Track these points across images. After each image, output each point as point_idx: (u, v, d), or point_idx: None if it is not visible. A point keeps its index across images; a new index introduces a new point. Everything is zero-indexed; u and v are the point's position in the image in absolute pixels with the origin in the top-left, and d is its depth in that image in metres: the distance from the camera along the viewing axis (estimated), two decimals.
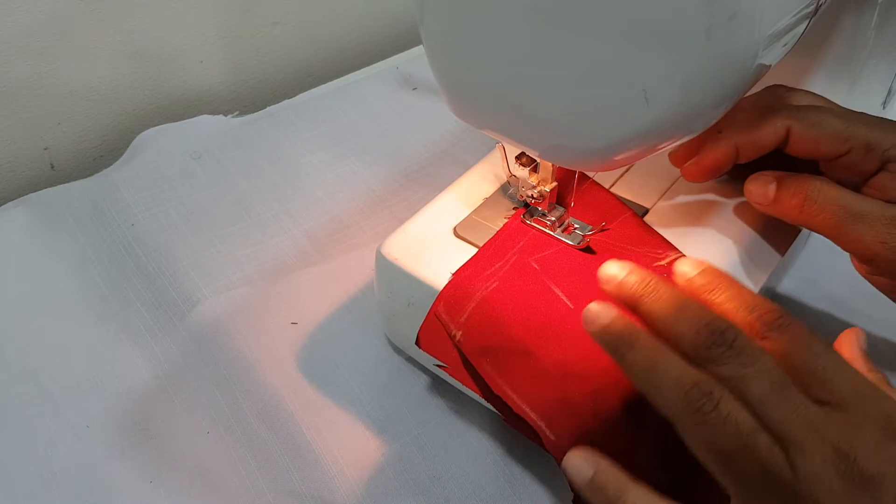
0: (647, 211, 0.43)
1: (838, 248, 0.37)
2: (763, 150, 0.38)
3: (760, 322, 0.31)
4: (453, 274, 0.38)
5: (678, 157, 0.41)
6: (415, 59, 0.68)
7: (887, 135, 0.35)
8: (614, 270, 0.33)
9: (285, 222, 0.53)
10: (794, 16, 0.30)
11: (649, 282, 0.32)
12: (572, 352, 0.35)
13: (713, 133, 0.39)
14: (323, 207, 0.54)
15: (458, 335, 0.37)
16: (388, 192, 0.55)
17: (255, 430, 0.41)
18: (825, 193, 0.36)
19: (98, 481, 0.39)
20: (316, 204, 0.54)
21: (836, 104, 0.39)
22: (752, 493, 0.28)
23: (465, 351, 0.37)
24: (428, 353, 0.39)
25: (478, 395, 0.38)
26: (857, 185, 0.37)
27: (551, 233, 0.40)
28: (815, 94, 0.39)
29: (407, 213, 0.43)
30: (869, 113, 0.38)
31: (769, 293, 0.47)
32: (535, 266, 0.38)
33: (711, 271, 0.33)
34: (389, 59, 0.70)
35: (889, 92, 0.48)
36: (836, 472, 0.27)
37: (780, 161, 0.38)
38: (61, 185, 0.55)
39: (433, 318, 0.38)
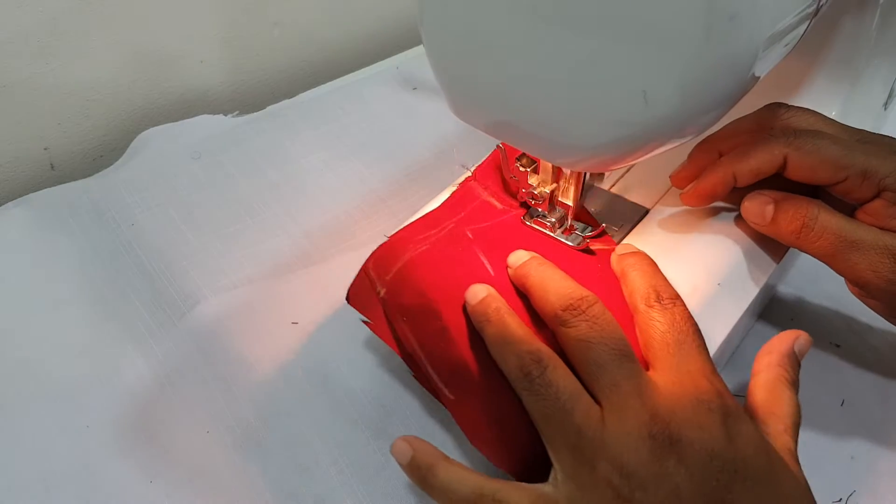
0: (647, 211, 0.43)
1: None
2: (760, 177, 0.38)
3: (654, 294, 0.34)
4: (389, 237, 0.39)
5: (679, 180, 0.42)
6: (415, 59, 0.68)
7: (885, 163, 0.36)
8: (515, 257, 0.37)
9: (285, 222, 0.53)
10: (795, 16, 0.30)
11: (539, 263, 0.36)
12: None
13: (712, 157, 0.40)
14: (323, 207, 0.54)
15: (382, 292, 0.38)
16: (389, 191, 0.55)
17: (255, 430, 0.41)
18: (822, 221, 0.37)
19: (98, 481, 0.39)
20: (316, 204, 0.54)
21: (836, 123, 0.39)
22: (566, 454, 0.31)
23: (387, 308, 0.38)
24: (355, 308, 0.40)
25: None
26: (852, 208, 0.38)
27: (551, 234, 0.40)
28: (815, 113, 0.40)
29: (407, 212, 0.43)
30: (870, 114, 0.38)
31: (770, 293, 0.47)
32: (470, 235, 0.39)
33: (638, 254, 0.37)
34: (389, 59, 0.70)
35: (890, 93, 0.48)
36: (648, 433, 0.30)
37: (778, 181, 0.39)
38: (61, 185, 0.55)
39: (363, 275, 0.39)
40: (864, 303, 0.39)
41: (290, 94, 0.65)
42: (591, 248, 0.40)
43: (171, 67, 0.63)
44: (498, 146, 0.41)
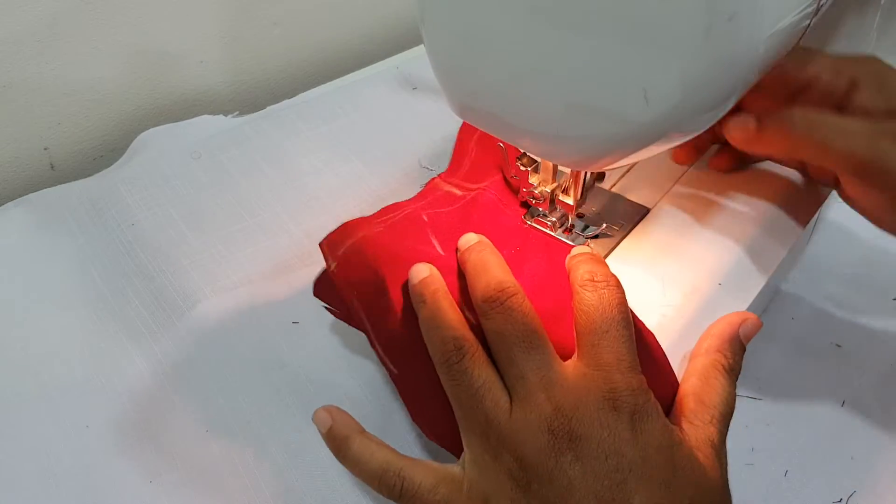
0: (647, 211, 0.43)
1: (839, 249, 0.37)
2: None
3: (590, 275, 0.34)
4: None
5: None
6: (415, 59, 0.68)
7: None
8: (464, 240, 0.38)
9: (285, 222, 0.53)
10: (795, 16, 0.30)
11: (480, 249, 0.36)
12: None
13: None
14: (323, 207, 0.54)
15: (333, 266, 0.39)
16: (389, 191, 0.55)
17: (255, 430, 0.41)
18: (807, 117, 0.35)
19: (98, 481, 0.39)
20: (316, 204, 0.54)
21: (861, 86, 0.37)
22: (475, 439, 0.32)
23: (337, 282, 0.39)
24: (318, 298, 0.40)
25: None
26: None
27: (552, 233, 0.40)
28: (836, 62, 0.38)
29: None
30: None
31: (771, 293, 0.47)
32: (425, 218, 0.40)
33: (483, 244, 0.37)
34: (389, 59, 0.70)
35: None
36: (548, 427, 0.30)
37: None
38: (61, 185, 0.55)
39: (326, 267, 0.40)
40: (857, 209, 0.38)
41: (290, 94, 0.65)
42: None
43: (171, 67, 0.63)
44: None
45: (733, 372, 0.34)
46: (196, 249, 0.50)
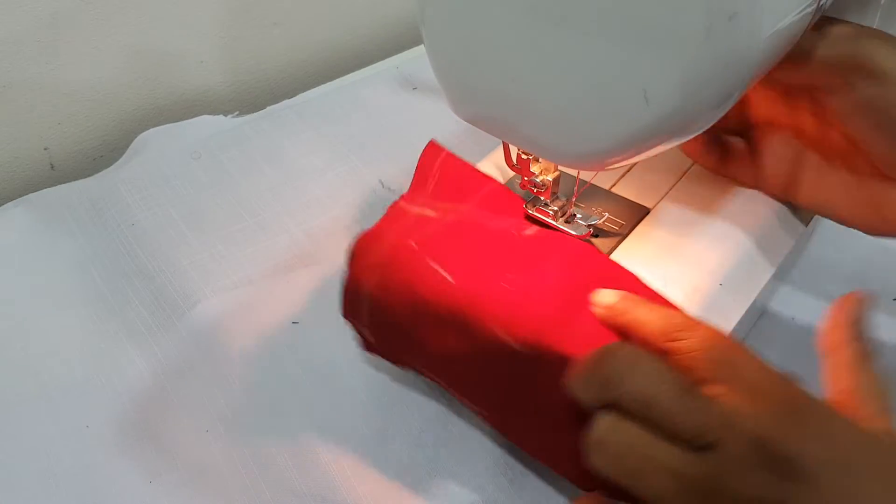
0: (647, 211, 0.43)
1: (840, 249, 0.37)
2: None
3: (670, 326, 0.32)
4: (345, 275, 0.38)
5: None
6: (415, 59, 0.68)
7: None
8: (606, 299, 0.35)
9: (285, 222, 0.53)
10: (795, 15, 0.30)
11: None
12: (453, 326, 0.35)
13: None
14: (323, 207, 0.54)
15: (367, 334, 0.38)
16: (389, 191, 0.55)
17: (255, 430, 0.41)
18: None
19: (98, 481, 0.39)
20: (316, 204, 0.54)
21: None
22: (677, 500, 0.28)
23: (381, 354, 0.38)
24: (371, 353, 0.40)
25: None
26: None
27: (553, 223, 0.40)
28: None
29: None
30: None
31: (772, 293, 0.47)
32: (414, 245, 0.37)
33: (626, 296, 0.34)
34: (389, 59, 0.70)
35: None
36: (757, 461, 0.28)
37: None
38: (61, 185, 0.55)
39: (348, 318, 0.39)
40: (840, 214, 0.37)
41: (290, 94, 0.65)
42: (527, 231, 0.39)
43: (171, 67, 0.63)
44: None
45: (874, 356, 0.32)
46: (196, 249, 0.50)
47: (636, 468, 0.29)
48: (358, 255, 0.38)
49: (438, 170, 0.41)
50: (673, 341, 0.31)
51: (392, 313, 0.36)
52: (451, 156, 0.41)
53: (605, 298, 0.35)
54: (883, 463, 0.28)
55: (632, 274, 0.37)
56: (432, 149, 0.41)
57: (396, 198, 0.41)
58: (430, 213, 0.39)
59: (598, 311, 0.35)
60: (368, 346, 0.40)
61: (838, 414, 0.29)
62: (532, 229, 0.39)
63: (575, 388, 0.32)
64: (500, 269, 0.36)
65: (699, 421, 0.29)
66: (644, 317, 0.33)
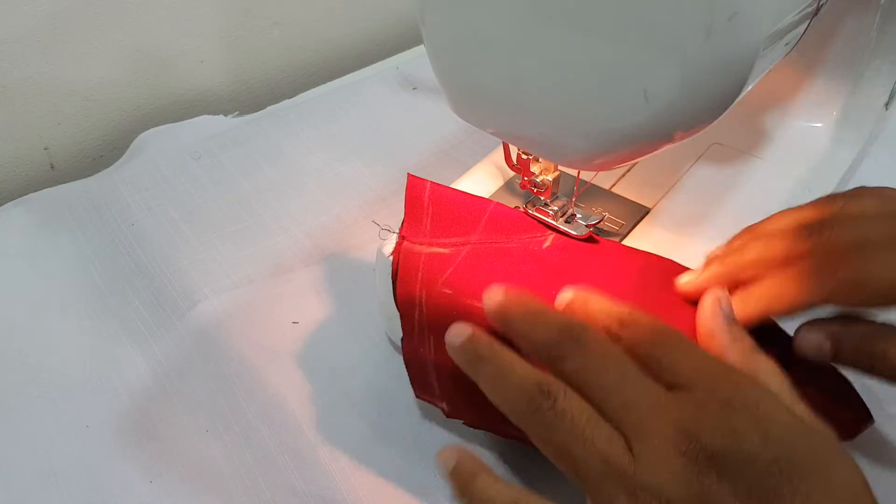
0: (648, 211, 0.43)
1: None
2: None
3: (612, 321, 0.32)
4: (402, 347, 0.37)
5: (687, 290, 0.38)
6: (415, 59, 0.68)
7: None
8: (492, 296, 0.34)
9: (285, 222, 0.53)
10: (795, 16, 0.30)
11: (517, 298, 0.33)
12: None
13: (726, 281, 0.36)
14: (323, 207, 0.54)
15: (446, 407, 0.37)
16: (389, 191, 0.55)
17: (255, 430, 0.41)
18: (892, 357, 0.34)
19: (98, 481, 0.39)
20: (316, 204, 0.54)
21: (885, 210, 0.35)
22: (598, 486, 0.28)
23: (466, 421, 0.38)
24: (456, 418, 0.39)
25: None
26: None
27: (553, 223, 0.40)
28: (870, 193, 0.35)
29: None
30: (871, 114, 0.37)
31: None
32: (448, 291, 0.36)
33: (584, 293, 0.34)
34: (389, 59, 0.70)
35: (891, 93, 0.48)
36: (678, 451, 0.27)
37: None
38: (61, 185, 0.55)
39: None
40: None
41: (290, 94, 0.65)
42: (546, 242, 0.39)
43: (171, 67, 0.63)
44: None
45: (755, 349, 0.32)
46: (196, 249, 0.50)
47: (565, 443, 0.29)
48: (406, 323, 0.37)
49: (430, 203, 0.39)
50: (616, 338, 0.31)
51: (459, 374, 0.34)
52: (437, 186, 0.40)
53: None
54: (816, 458, 0.27)
55: (667, 259, 0.37)
56: (415, 182, 0.40)
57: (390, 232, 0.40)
58: (440, 250, 0.38)
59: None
60: (450, 414, 0.38)
61: (778, 405, 0.29)
62: (548, 239, 0.39)
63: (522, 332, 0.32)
64: (537, 286, 0.35)
65: (627, 403, 0.29)
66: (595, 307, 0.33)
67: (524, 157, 0.39)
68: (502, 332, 0.32)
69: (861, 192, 0.35)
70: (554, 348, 0.31)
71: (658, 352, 0.30)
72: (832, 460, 0.28)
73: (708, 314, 0.34)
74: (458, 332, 0.32)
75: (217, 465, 0.39)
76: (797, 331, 0.36)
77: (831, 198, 0.36)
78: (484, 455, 0.40)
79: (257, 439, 0.40)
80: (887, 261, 0.33)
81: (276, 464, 0.39)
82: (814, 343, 0.35)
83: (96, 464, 0.39)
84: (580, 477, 0.29)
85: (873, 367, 0.34)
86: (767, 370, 0.31)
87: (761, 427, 0.27)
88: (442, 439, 0.40)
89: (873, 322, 0.35)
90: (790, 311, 0.35)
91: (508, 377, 0.31)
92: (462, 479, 0.32)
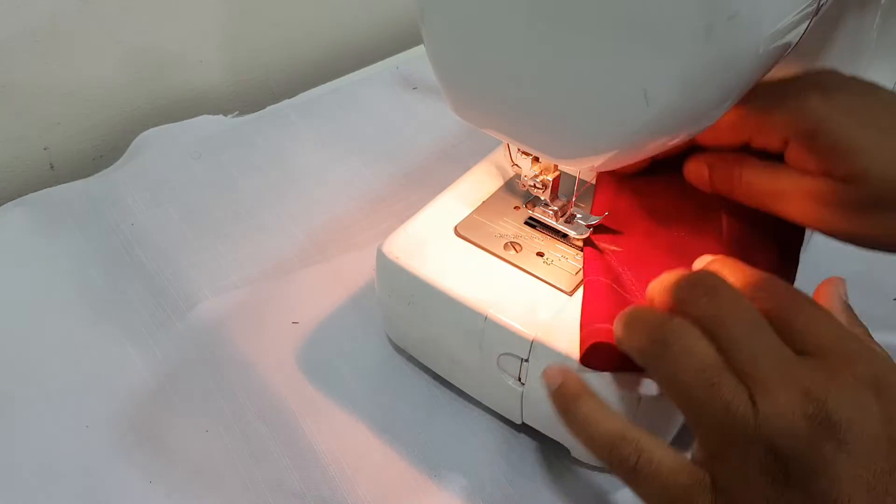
0: None
1: (839, 249, 0.37)
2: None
3: (750, 286, 0.32)
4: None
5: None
6: (415, 59, 0.68)
7: (780, 112, 0.35)
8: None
9: (285, 222, 0.53)
10: (795, 16, 0.30)
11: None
12: None
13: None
14: (323, 207, 0.54)
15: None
16: (389, 191, 0.55)
17: (255, 430, 0.41)
18: (745, 178, 0.37)
19: (98, 481, 0.39)
20: (316, 204, 0.54)
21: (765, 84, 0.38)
22: (712, 432, 0.28)
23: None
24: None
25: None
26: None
27: (554, 223, 0.40)
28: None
29: (407, 212, 0.43)
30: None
31: None
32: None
33: (721, 259, 0.35)
34: (389, 59, 0.70)
35: None
36: (802, 413, 0.27)
37: None
38: (61, 185, 0.55)
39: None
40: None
41: (290, 94, 0.65)
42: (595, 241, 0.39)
43: (171, 67, 0.63)
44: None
45: (870, 336, 0.33)
46: (196, 249, 0.50)
47: (689, 383, 0.28)
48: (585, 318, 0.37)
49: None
50: (752, 301, 0.31)
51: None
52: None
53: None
54: None
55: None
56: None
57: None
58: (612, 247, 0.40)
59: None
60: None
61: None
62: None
63: (660, 290, 0.32)
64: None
65: (754, 356, 0.28)
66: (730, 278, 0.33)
67: (525, 157, 0.39)
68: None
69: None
70: (687, 292, 0.31)
71: (791, 316, 0.30)
72: None
73: (826, 298, 0.34)
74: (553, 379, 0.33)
75: (217, 465, 0.39)
76: (685, 161, 0.39)
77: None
78: (485, 446, 0.40)
79: (257, 439, 0.40)
80: (740, 104, 0.35)
81: (276, 464, 0.39)
82: (695, 171, 0.39)
83: (96, 464, 0.39)
84: (696, 420, 0.29)
85: (733, 189, 0.37)
86: (882, 354, 0.30)
87: (888, 409, 0.27)
88: (442, 439, 0.41)
89: (739, 153, 0.37)
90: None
91: (637, 316, 0.31)
92: (565, 401, 0.32)
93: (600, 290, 0.36)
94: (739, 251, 0.38)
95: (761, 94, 0.36)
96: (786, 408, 0.27)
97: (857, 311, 0.38)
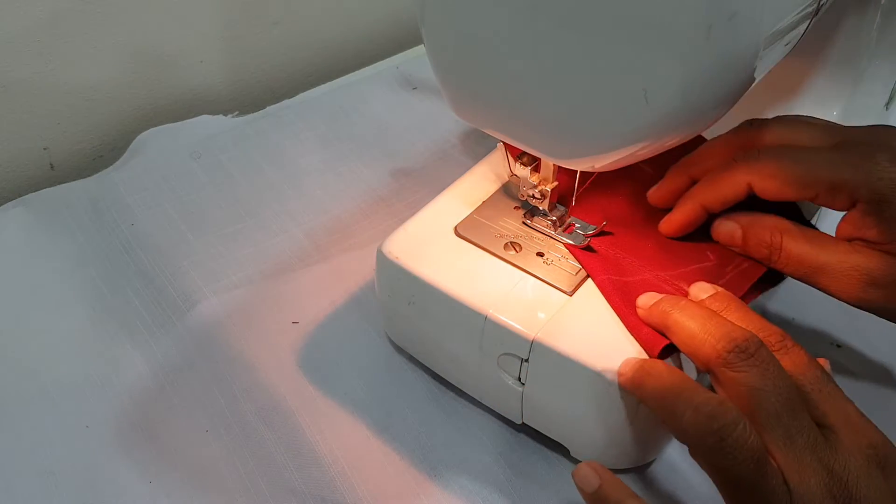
0: None
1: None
2: (730, 205, 0.38)
3: (768, 336, 0.32)
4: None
5: (655, 199, 0.41)
6: (415, 59, 0.68)
7: (856, 172, 0.35)
8: (644, 299, 0.36)
9: (285, 222, 0.53)
10: (795, 15, 0.30)
11: (679, 301, 0.34)
12: None
13: (685, 182, 0.40)
14: (323, 207, 0.54)
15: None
16: (389, 191, 0.55)
17: (255, 430, 0.41)
18: (787, 248, 0.37)
19: (98, 481, 0.39)
20: (316, 204, 0.54)
21: (815, 125, 0.38)
22: None
23: None
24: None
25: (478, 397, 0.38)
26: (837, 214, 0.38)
27: (552, 233, 0.40)
28: (789, 120, 0.39)
29: (407, 212, 0.43)
30: (872, 114, 0.38)
31: (770, 294, 0.47)
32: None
33: (723, 295, 0.35)
34: (389, 59, 0.70)
35: (892, 93, 0.48)
36: (830, 494, 0.29)
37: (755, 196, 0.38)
38: (61, 185, 0.55)
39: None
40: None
41: (290, 94, 0.65)
42: (593, 247, 0.40)
43: (171, 67, 0.63)
44: (499, 144, 0.41)
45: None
46: (196, 249, 0.50)
47: (741, 476, 0.29)
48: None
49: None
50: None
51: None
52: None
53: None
54: None
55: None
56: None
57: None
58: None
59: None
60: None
61: None
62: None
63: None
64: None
65: (790, 437, 0.30)
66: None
67: (524, 167, 0.39)
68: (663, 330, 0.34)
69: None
70: (726, 353, 0.31)
71: (812, 389, 0.31)
72: None
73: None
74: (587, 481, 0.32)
75: (217, 465, 0.39)
76: (714, 221, 0.39)
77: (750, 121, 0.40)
78: (485, 446, 0.40)
79: (257, 439, 0.40)
80: (805, 156, 0.36)
81: (275, 464, 0.39)
82: (726, 231, 0.38)
83: (96, 464, 0.39)
84: (729, 492, 0.30)
85: (770, 258, 0.37)
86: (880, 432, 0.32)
87: (893, 484, 0.29)
88: (443, 440, 0.41)
89: (778, 217, 0.38)
90: (721, 202, 0.38)
91: (684, 398, 0.31)
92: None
93: (618, 289, 0.37)
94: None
95: (827, 150, 0.36)
96: (816, 488, 0.29)
97: (856, 312, 0.38)
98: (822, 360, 0.34)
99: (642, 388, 0.32)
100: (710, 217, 0.39)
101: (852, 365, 0.45)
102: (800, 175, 0.36)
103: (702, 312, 0.33)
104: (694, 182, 0.40)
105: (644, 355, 0.35)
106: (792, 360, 0.32)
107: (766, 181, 0.36)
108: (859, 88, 0.47)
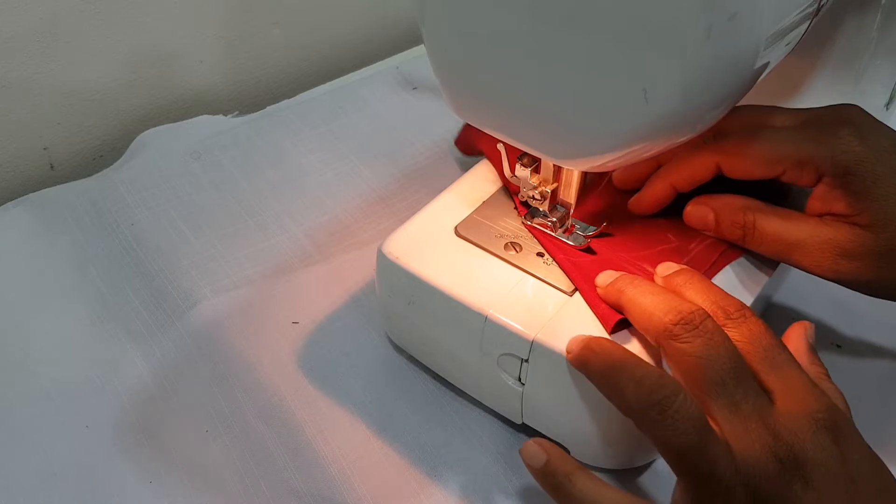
0: None
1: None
2: (699, 184, 0.39)
3: (721, 312, 0.33)
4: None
5: (621, 182, 0.42)
6: (415, 59, 0.68)
7: (820, 148, 0.36)
8: (602, 278, 0.36)
9: (285, 222, 0.53)
10: (796, 15, 0.30)
11: (634, 279, 0.35)
12: None
13: (653, 164, 0.40)
14: (323, 207, 0.54)
15: None
16: (389, 191, 0.55)
17: (255, 430, 0.41)
18: (759, 227, 0.37)
19: (98, 481, 0.39)
20: (316, 204, 0.54)
21: (781, 109, 0.39)
22: (701, 485, 0.30)
23: None
24: None
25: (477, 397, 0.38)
26: (806, 193, 0.38)
27: (552, 234, 0.40)
28: (756, 107, 0.40)
29: (407, 212, 0.43)
30: (872, 114, 0.38)
31: (770, 294, 0.47)
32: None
33: (685, 271, 0.36)
34: (389, 59, 0.70)
35: (892, 93, 0.48)
36: (775, 457, 0.29)
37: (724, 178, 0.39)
38: (61, 185, 0.55)
39: None
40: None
41: (290, 94, 0.65)
42: (593, 247, 0.40)
43: (170, 67, 0.63)
44: (498, 145, 0.41)
45: (827, 377, 0.34)
46: (196, 249, 0.50)
47: (683, 446, 0.29)
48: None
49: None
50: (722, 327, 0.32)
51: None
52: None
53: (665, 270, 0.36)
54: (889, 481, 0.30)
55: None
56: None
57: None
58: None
59: (658, 279, 0.36)
60: None
61: (854, 430, 0.31)
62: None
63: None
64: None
65: (735, 403, 0.30)
66: (696, 297, 0.34)
67: (523, 168, 0.39)
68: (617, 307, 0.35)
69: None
70: (672, 326, 0.32)
71: (762, 356, 0.32)
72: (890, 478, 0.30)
73: (794, 338, 0.35)
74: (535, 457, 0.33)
75: (217, 465, 0.39)
76: (686, 206, 0.39)
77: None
78: (485, 446, 0.40)
79: (257, 439, 0.40)
80: (771, 135, 0.37)
81: (276, 464, 0.39)
82: (698, 216, 0.39)
83: (96, 464, 0.39)
84: (687, 477, 0.30)
85: (744, 238, 0.38)
86: (835, 395, 0.33)
87: (842, 449, 0.30)
88: (442, 439, 0.41)
89: (748, 198, 0.38)
90: (689, 182, 0.39)
91: (627, 371, 0.31)
92: (557, 478, 0.32)
93: (577, 267, 0.38)
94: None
95: (793, 129, 0.37)
96: (761, 452, 0.29)
97: (856, 312, 0.38)
98: (806, 323, 0.35)
99: (587, 365, 0.33)
100: (677, 199, 0.40)
101: (852, 365, 0.45)
102: (766, 153, 0.37)
103: (653, 289, 0.34)
104: (660, 165, 0.40)
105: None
106: (748, 328, 0.32)
107: (734, 160, 0.37)
108: (859, 88, 0.47)
